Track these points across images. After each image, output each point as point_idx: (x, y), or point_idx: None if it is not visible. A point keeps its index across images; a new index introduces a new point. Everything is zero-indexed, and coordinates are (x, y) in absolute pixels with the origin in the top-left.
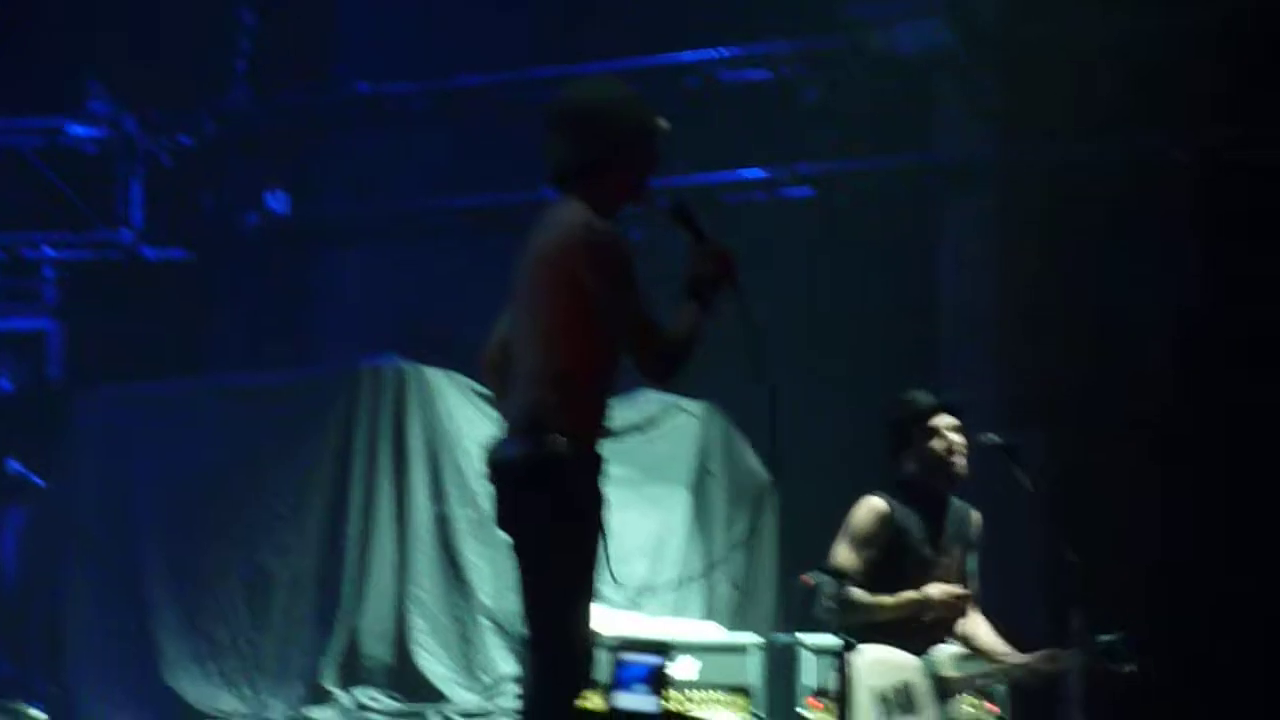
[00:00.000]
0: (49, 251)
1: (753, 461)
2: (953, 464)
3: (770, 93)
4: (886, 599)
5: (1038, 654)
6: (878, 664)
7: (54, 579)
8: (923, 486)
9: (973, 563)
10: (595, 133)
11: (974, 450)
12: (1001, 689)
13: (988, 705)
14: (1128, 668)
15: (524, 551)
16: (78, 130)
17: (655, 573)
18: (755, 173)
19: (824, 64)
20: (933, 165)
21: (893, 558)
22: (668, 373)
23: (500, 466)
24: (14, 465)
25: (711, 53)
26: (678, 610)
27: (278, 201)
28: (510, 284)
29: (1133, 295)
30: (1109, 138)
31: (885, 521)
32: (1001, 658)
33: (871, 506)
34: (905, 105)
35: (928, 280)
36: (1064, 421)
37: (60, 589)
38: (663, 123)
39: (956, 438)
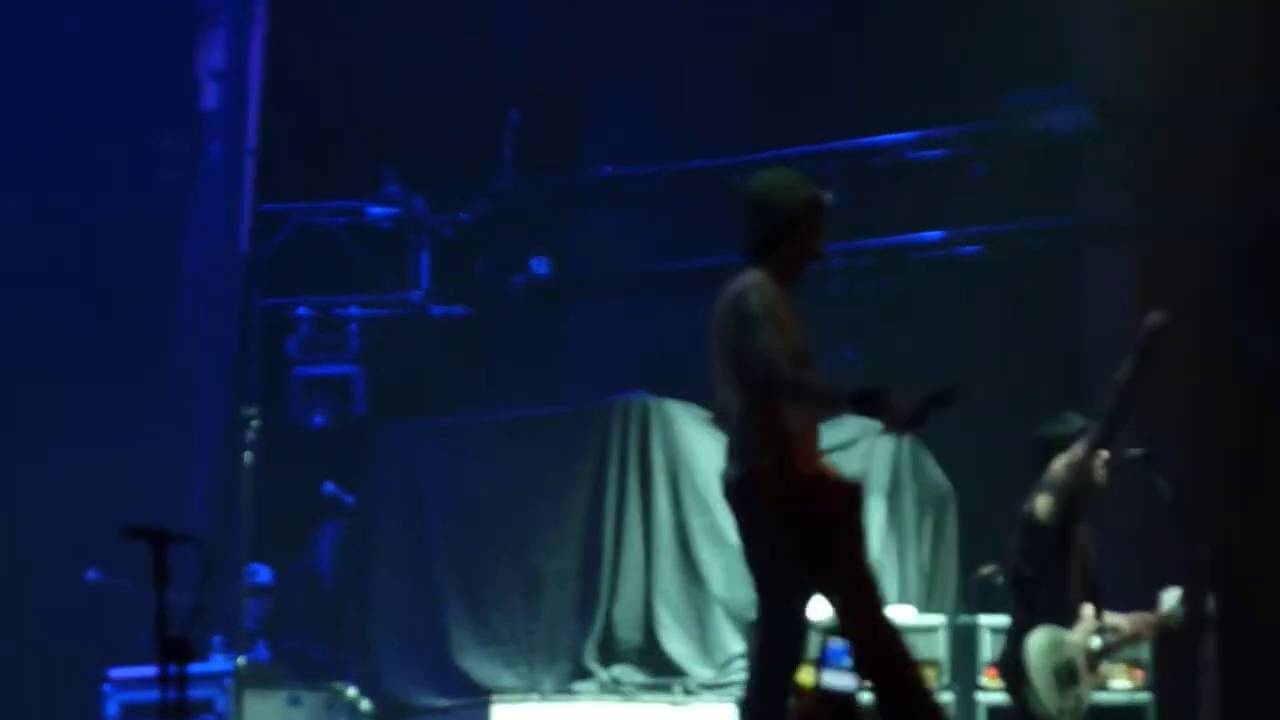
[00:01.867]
0: (354, 310)
1: (937, 472)
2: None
3: (945, 168)
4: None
5: (1135, 618)
6: (1048, 645)
7: (363, 581)
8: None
9: None
10: (767, 214)
11: (1120, 463)
12: (1146, 655)
13: (1136, 672)
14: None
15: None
16: (375, 210)
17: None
18: (934, 235)
19: (989, 143)
20: (1079, 227)
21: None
22: (771, 388)
23: (729, 488)
24: (329, 487)
25: (897, 137)
26: None
27: (540, 265)
28: None
29: (1255, 337)
30: (1231, 202)
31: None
32: (1124, 627)
33: (1069, 459)
34: (1056, 176)
35: (1075, 322)
36: (1198, 442)
37: (368, 589)
38: (826, 198)
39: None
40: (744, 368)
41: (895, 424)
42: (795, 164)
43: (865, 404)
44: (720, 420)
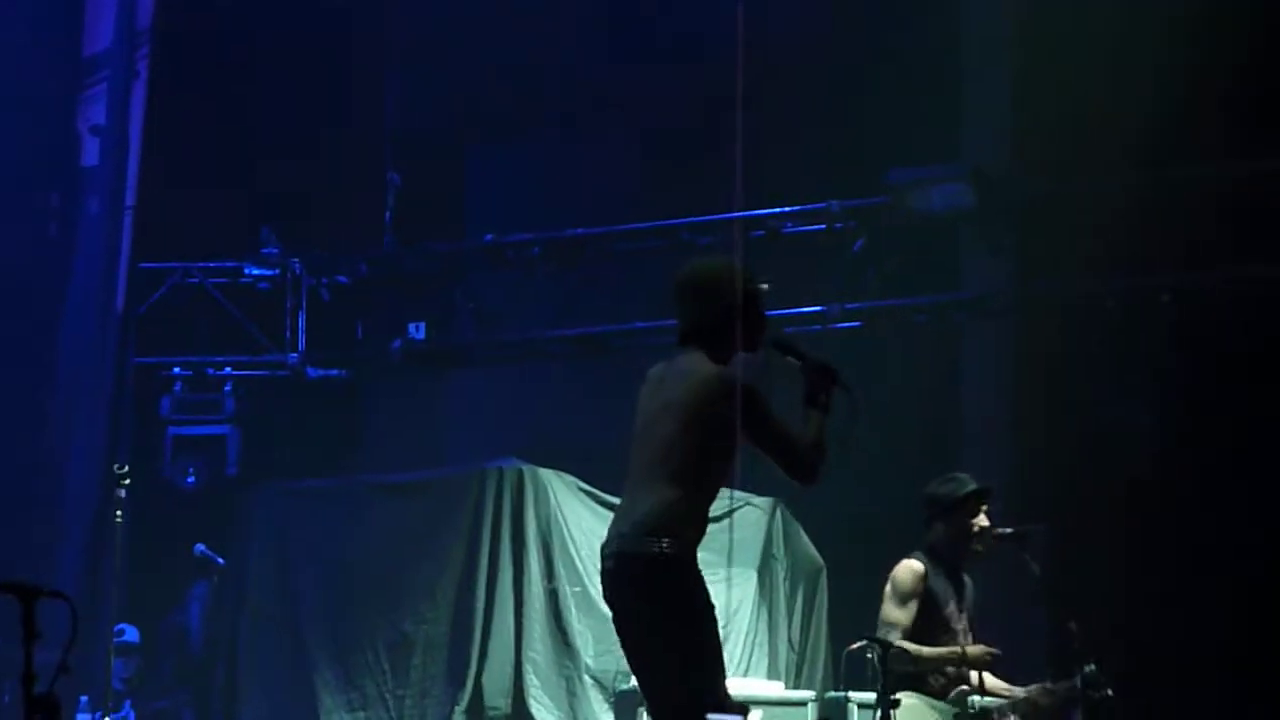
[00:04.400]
0: (229, 370)
1: (808, 546)
2: (980, 539)
3: (826, 242)
4: (929, 650)
5: (1034, 688)
6: (914, 711)
7: (233, 642)
8: (950, 555)
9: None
10: (709, 301)
11: (992, 538)
12: None
13: None
14: (1102, 693)
15: (649, 636)
16: (254, 270)
17: (728, 639)
18: (813, 309)
19: (868, 219)
20: (959, 302)
21: (924, 612)
22: (814, 473)
23: (625, 560)
24: (200, 548)
25: (777, 210)
26: (747, 670)
27: (417, 330)
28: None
29: (1125, 410)
30: (1106, 277)
31: (921, 579)
32: (1009, 693)
33: (911, 567)
34: (935, 252)
35: (952, 395)
36: (1065, 518)
37: (237, 650)
38: (765, 287)
39: (984, 520)
40: (708, 460)
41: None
42: (672, 234)
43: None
44: (632, 493)
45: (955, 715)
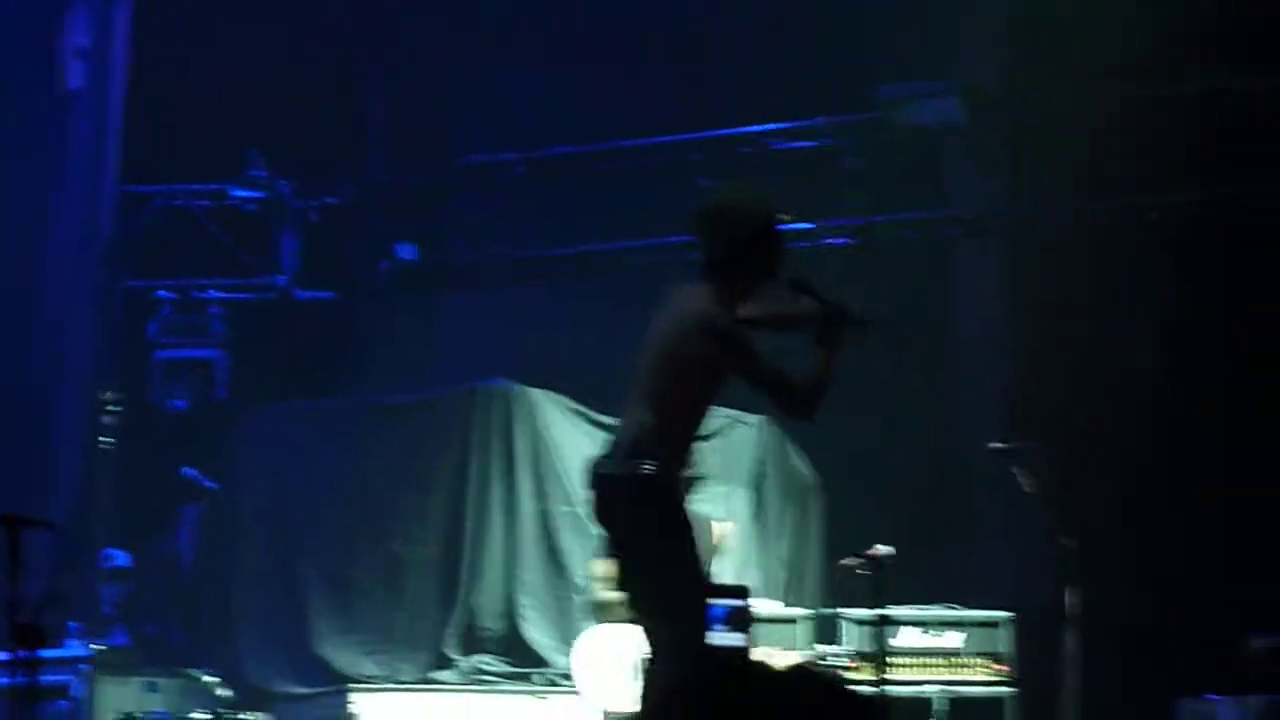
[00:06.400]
0: (217, 294)
1: (801, 464)
2: None
3: (815, 159)
4: None
5: None
6: None
7: (223, 566)
8: None
9: None
10: (726, 232)
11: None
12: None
13: (996, 665)
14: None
15: (630, 556)
16: (241, 193)
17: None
18: (802, 226)
19: (859, 135)
20: (948, 219)
21: None
22: (808, 412)
23: (604, 481)
24: (189, 471)
25: (765, 127)
26: None
27: (407, 251)
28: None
29: (1119, 328)
30: (1098, 194)
31: None
32: None
33: None
34: (925, 168)
35: (944, 312)
36: (1061, 431)
37: (228, 575)
38: (786, 218)
39: None
40: (692, 394)
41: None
42: (663, 152)
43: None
44: (625, 415)
45: None
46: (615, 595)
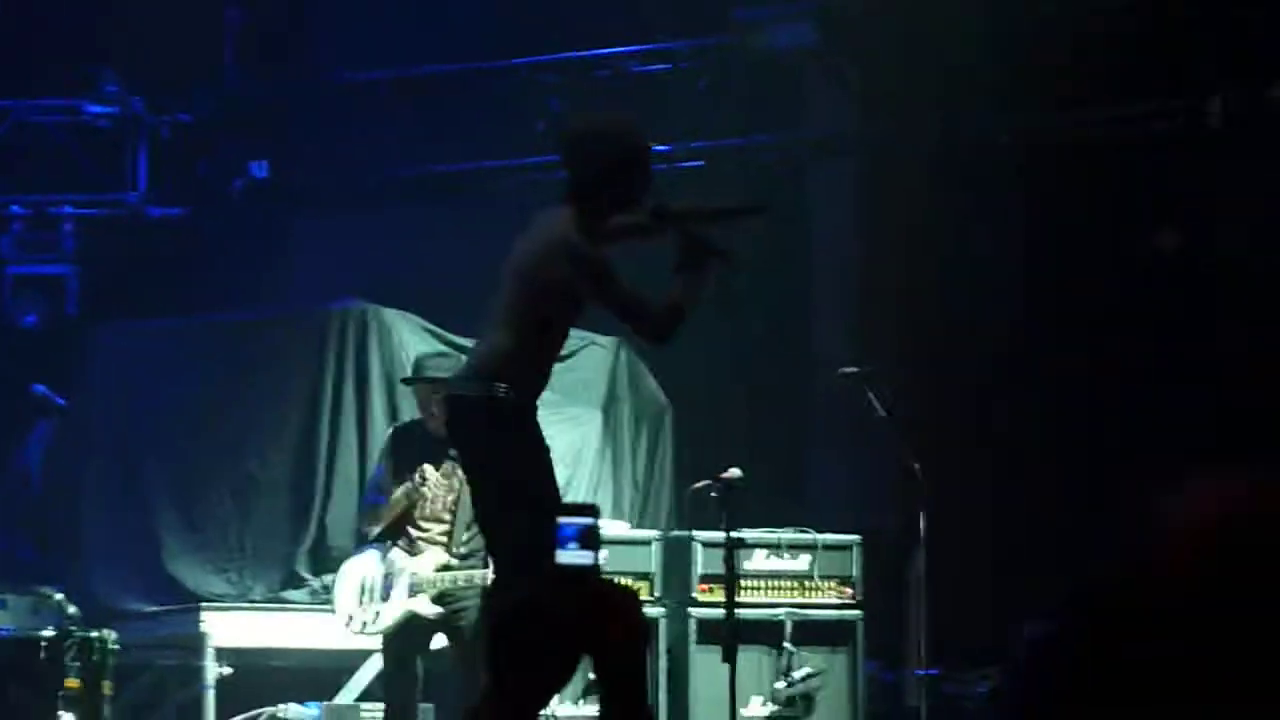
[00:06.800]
0: (69, 209)
1: (654, 386)
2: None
3: (670, 81)
4: None
5: None
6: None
7: (73, 483)
8: None
9: None
10: (590, 157)
11: (836, 379)
12: (855, 572)
13: (845, 589)
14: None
15: (480, 477)
16: (93, 109)
17: (572, 479)
18: (659, 149)
19: (714, 57)
20: (803, 141)
21: None
22: (662, 337)
23: (456, 401)
24: (39, 388)
25: (620, 49)
26: None
27: (259, 169)
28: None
29: (973, 250)
30: (952, 118)
31: None
32: None
33: None
34: (781, 90)
35: (799, 235)
36: (912, 356)
37: (78, 491)
38: (649, 143)
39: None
40: (545, 318)
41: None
42: (520, 73)
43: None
44: (482, 338)
45: None
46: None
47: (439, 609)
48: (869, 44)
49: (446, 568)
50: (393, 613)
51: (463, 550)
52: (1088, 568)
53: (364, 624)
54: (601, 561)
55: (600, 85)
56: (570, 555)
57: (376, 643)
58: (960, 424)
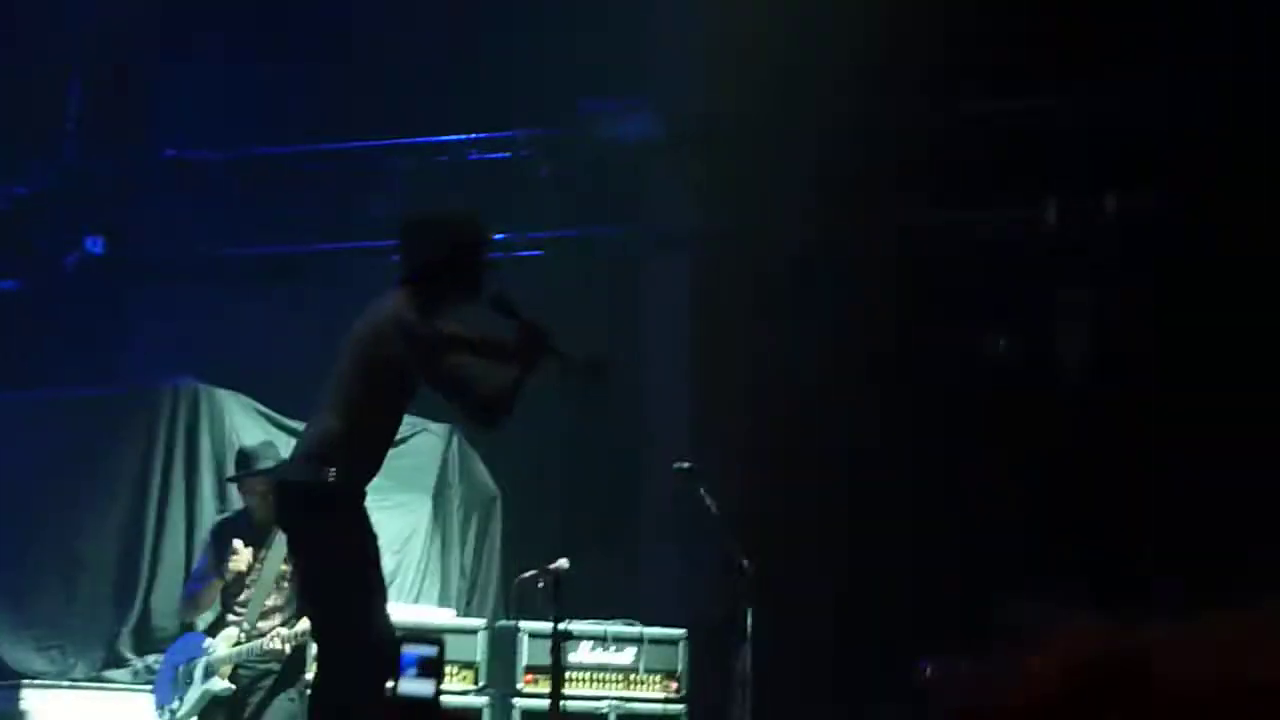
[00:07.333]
0: None
1: (484, 475)
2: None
3: (510, 170)
4: None
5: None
6: None
7: None
8: None
9: None
10: (428, 246)
11: (669, 474)
12: (682, 666)
13: (670, 683)
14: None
15: (308, 561)
16: None
17: (401, 566)
18: (496, 236)
19: (555, 147)
20: (639, 233)
21: None
22: (491, 421)
23: (286, 486)
24: None
25: (462, 137)
26: (418, 598)
27: (95, 244)
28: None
29: (805, 347)
30: (788, 213)
31: None
32: None
33: None
34: (621, 183)
35: (634, 327)
36: (747, 452)
37: None
38: (489, 236)
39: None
40: (380, 402)
41: (573, 369)
42: (360, 157)
43: (536, 355)
44: (313, 420)
45: None
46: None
47: (230, 685)
48: (710, 139)
49: (238, 642)
50: (192, 697)
51: (259, 624)
52: (917, 669)
53: (171, 713)
54: (440, 691)
55: (443, 170)
56: (410, 684)
57: None
58: (795, 518)
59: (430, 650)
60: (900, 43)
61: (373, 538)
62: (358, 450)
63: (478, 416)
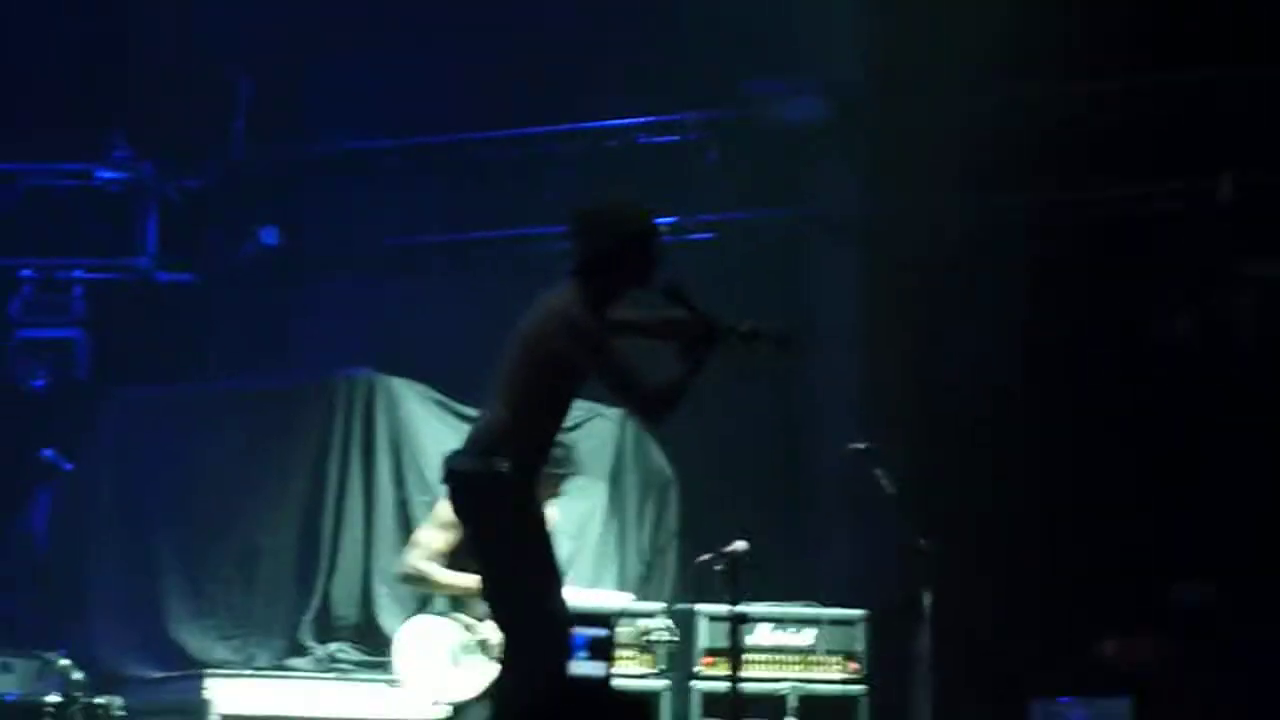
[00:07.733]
0: (79, 273)
1: (659, 458)
2: None
3: (679, 153)
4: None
5: None
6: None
7: (78, 548)
8: None
9: None
10: (600, 237)
11: (844, 455)
12: (860, 647)
13: (850, 664)
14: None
15: (482, 548)
16: (105, 174)
17: (578, 550)
18: (667, 220)
19: (723, 130)
20: (808, 217)
21: None
22: (653, 418)
23: (457, 476)
24: (47, 453)
25: (631, 120)
26: (595, 582)
27: (269, 235)
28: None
29: (976, 328)
30: (957, 196)
31: None
32: None
33: None
34: (789, 166)
35: (802, 310)
36: (920, 430)
37: (83, 556)
38: (656, 226)
39: None
40: (545, 397)
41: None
42: (530, 143)
43: (705, 353)
44: (484, 410)
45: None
46: (441, 577)
47: None
48: (878, 121)
49: None
50: (476, 682)
51: None
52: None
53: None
54: (611, 672)
55: (612, 155)
56: (582, 665)
57: (392, 711)
58: (964, 501)
59: (600, 631)
60: (1071, 20)
61: (544, 528)
62: (525, 440)
63: (644, 414)
